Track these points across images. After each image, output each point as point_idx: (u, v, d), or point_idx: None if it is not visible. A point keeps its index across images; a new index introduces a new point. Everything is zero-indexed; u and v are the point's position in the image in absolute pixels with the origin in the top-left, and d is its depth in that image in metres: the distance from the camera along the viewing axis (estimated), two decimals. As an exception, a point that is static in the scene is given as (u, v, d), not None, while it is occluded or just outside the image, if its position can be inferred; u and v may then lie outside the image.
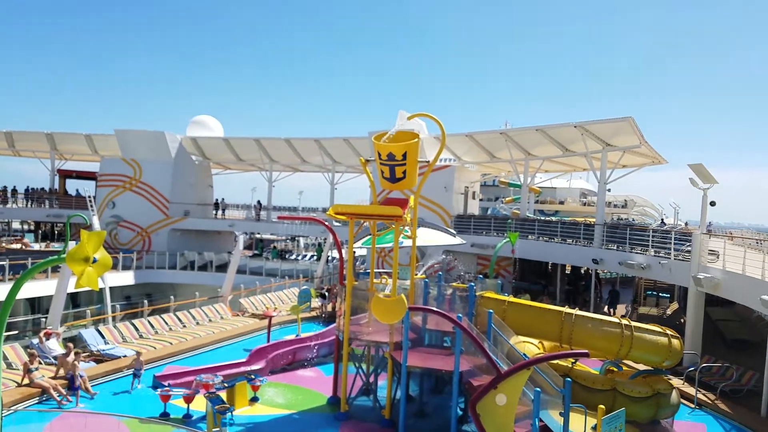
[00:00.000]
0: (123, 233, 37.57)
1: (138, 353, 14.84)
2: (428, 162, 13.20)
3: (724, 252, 17.55)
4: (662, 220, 44.17)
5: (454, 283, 15.21)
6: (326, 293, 23.92)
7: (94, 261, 11.71)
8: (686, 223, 37.83)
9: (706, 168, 18.46)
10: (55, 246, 34.56)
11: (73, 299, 28.33)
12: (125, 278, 31.90)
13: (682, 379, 16.04)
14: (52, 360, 14.40)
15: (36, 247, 35.35)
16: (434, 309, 12.53)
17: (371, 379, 13.81)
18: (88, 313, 20.81)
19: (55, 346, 15.08)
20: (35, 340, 15.35)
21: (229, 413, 11.97)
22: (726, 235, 24.07)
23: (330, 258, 34.81)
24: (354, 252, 13.70)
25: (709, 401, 14.91)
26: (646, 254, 21.79)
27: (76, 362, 13.53)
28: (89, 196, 31.02)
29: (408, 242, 14.09)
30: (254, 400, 13.68)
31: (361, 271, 19.57)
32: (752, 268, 15.27)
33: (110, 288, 26.36)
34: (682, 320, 22.00)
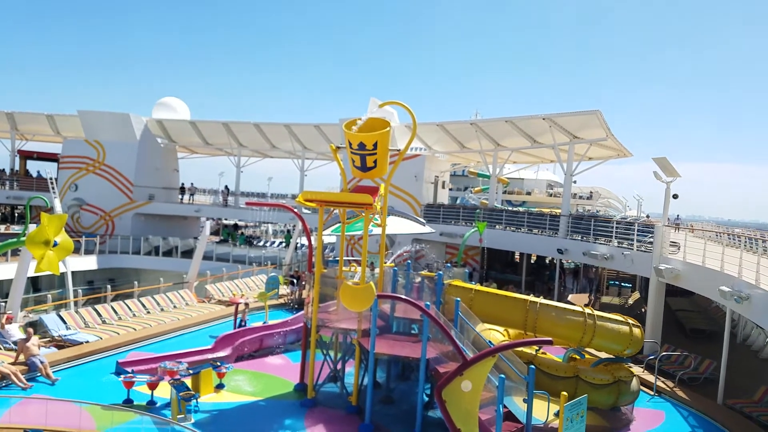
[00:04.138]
0: (85, 217, 36.72)
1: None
2: (399, 151, 13.18)
3: (684, 244, 18.02)
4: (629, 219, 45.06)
5: (422, 272, 15.29)
6: (296, 280, 23.76)
7: (55, 245, 11.47)
8: (648, 216, 38.66)
9: (670, 161, 18.89)
10: (15, 229, 33.62)
11: (34, 283, 27.67)
12: (88, 263, 31.23)
13: (642, 367, 16.49)
14: (12, 345, 14.06)
15: (-6, 229, 34.33)
16: (402, 297, 12.59)
17: (339, 366, 13.83)
18: (50, 298, 20.28)
19: (14, 332, 14.70)
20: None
21: (194, 400, 11.87)
22: (687, 228, 24.73)
23: (299, 245, 34.63)
24: (323, 239, 13.64)
25: (668, 389, 15.34)
26: (610, 245, 22.24)
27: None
28: (51, 178, 30.28)
29: (378, 230, 14.09)
30: (220, 387, 13.58)
31: (330, 258, 19.54)
32: (711, 260, 15.72)
33: (72, 272, 25.77)
34: (643, 310, 22.57)
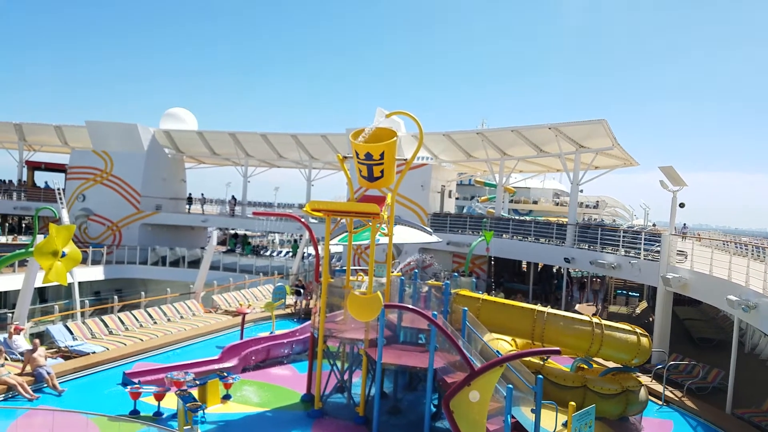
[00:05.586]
0: (93, 227, 36.87)
1: None
2: (405, 160, 13.21)
3: (692, 253, 17.91)
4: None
5: (429, 281, 15.26)
6: (302, 289, 23.71)
7: (63, 255, 11.52)
8: (654, 225, 38.50)
9: (676, 171, 18.83)
10: (23, 239, 33.80)
11: (41, 294, 27.74)
12: (95, 273, 31.31)
13: (650, 377, 16.36)
14: (18, 356, 14.09)
15: (2, 240, 34.53)
16: (410, 306, 12.55)
17: (346, 377, 13.80)
18: (56, 309, 20.35)
19: (21, 342, 14.75)
20: (2, 336, 14.98)
21: (201, 411, 11.84)
22: (694, 236, 24.60)
23: (305, 255, 34.64)
24: (330, 249, 13.66)
25: (676, 398, 15.23)
26: (617, 254, 22.14)
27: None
28: (58, 189, 30.51)
29: (384, 240, 14.09)
30: (227, 397, 13.56)
31: (337, 268, 19.54)
32: (719, 269, 15.62)
33: (79, 283, 25.88)
34: (650, 319, 22.43)
